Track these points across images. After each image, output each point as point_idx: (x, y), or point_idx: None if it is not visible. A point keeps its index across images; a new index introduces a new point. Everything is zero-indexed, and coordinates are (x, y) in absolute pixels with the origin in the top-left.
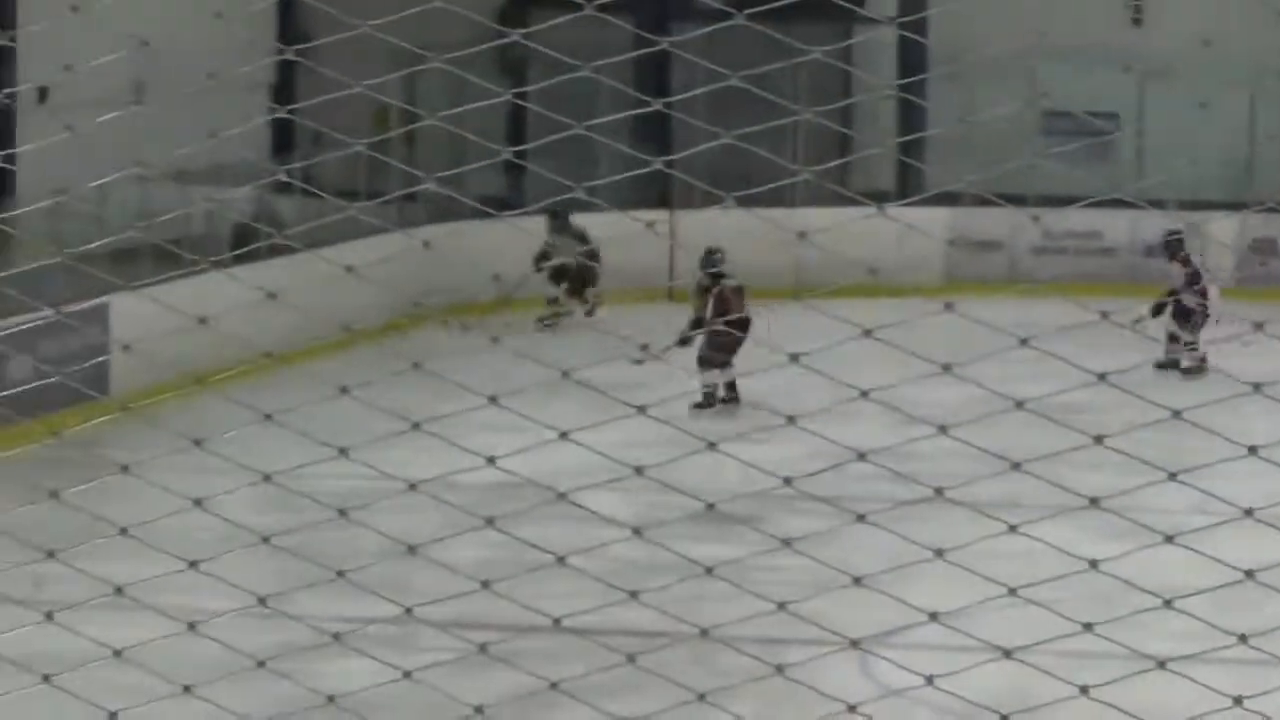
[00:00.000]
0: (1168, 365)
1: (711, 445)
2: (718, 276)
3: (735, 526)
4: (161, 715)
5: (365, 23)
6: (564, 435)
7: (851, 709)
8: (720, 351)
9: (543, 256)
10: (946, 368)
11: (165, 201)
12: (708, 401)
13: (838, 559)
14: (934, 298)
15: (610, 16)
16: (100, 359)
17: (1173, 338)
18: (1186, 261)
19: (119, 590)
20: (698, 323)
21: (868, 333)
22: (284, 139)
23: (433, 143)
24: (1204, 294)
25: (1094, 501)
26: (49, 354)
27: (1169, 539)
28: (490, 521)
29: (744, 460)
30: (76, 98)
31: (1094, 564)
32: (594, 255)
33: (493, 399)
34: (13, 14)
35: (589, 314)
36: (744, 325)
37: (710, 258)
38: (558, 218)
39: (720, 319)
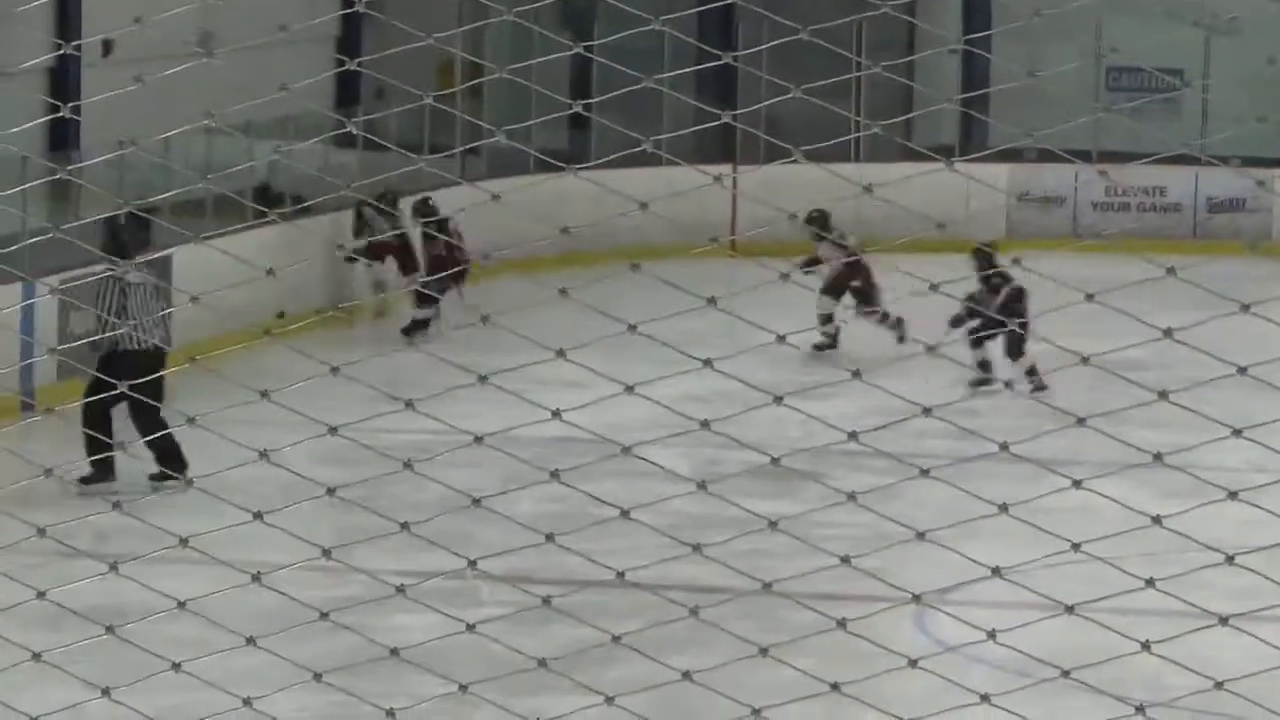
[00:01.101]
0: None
1: (778, 399)
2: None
3: (796, 482)
4: (226, 667)
5: None
6: (630, 389)
7: (913, 663)
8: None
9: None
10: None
11: (228, 154)
12: (830, 343)
13: (897, 515)
14: (1000, 253)
15: None
16: (165, 310)
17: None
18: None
19: (184, 542)
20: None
21: (934, 287)
22: (347, 92)
23: (495, 96)
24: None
25: (1158, 457)
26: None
27: (1232, 495)
28: (555, 475)
29: (809, 414)
30: (141, 51)
31: (1157, 519)
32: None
33: (560, 352)
34: None
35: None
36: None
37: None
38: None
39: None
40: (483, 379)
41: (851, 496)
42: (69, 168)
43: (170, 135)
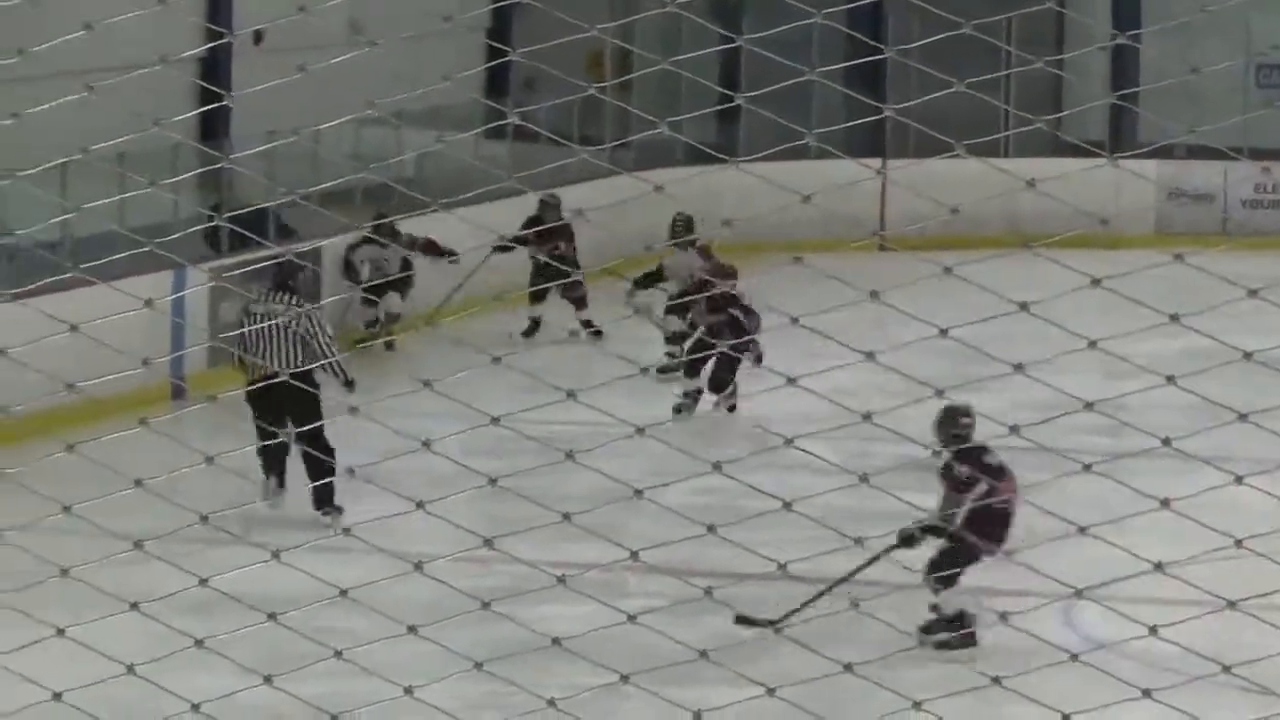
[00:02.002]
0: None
1: (939, 392)
2: None
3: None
4: (386, 656)
5: None
6: (792, 381)
7: (1074, 657)
8: None
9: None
10: (1173, 318)
11: (378, 144)
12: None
13: (1044, 510)
14: (1151, 249)
15: None
16: (317, 305)
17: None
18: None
19: (346, 531)
20: None
21: (1096, 282)
22: (496, 83)
23: (644, 88)
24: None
25: None
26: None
27: None
28: (717, 467)
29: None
30: (291, 40)
31: None
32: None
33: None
34: None
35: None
36: None
37: None
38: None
39: None
40: (644, 371)
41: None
42: (231, 156)
43: (323, 125)
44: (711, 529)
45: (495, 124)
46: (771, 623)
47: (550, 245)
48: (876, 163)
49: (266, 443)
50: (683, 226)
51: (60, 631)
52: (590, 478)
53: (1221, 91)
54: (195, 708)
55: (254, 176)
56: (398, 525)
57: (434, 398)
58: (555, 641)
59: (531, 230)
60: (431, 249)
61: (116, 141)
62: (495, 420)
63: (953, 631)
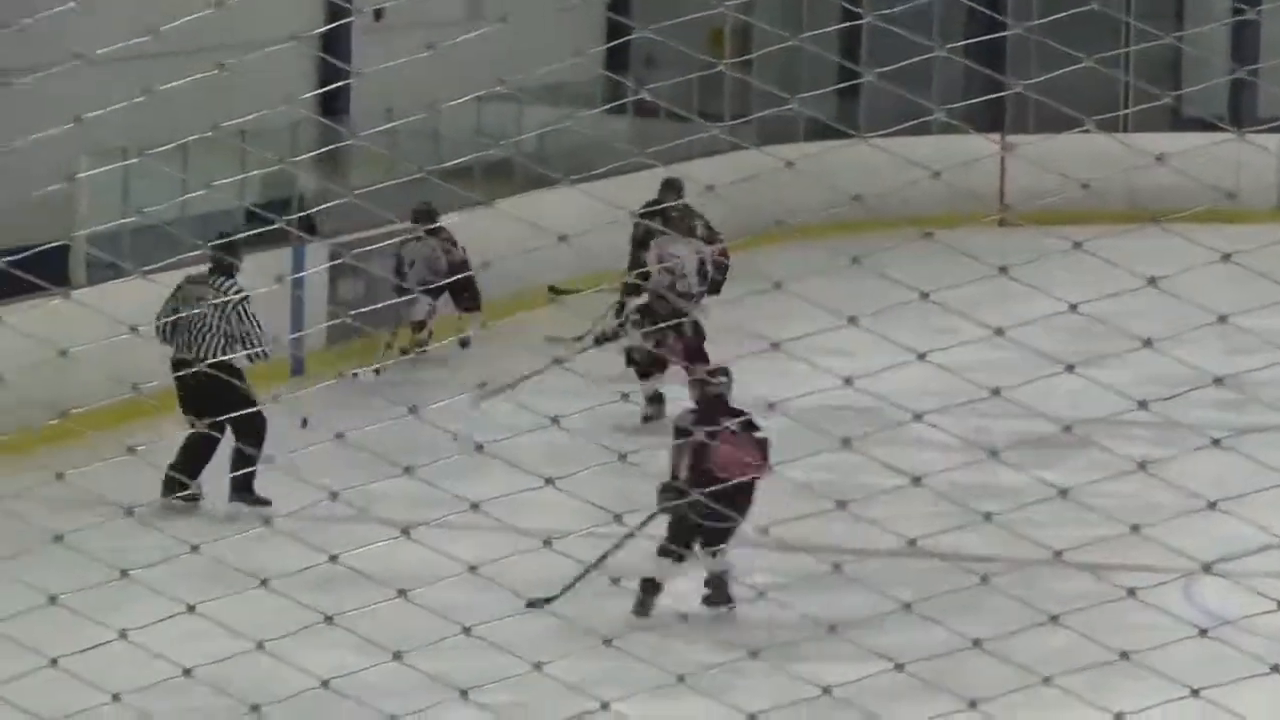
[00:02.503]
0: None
1: (1070, 368)
2: None
3: (1061, 450)
4: (516, 630)
5: None
6: (922, 357)
7: (1203, 633)
8: None
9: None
10: None
11: (498, 121)
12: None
13: (1162, 486)
14: (1273, 224)
15: None
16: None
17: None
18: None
19: (475, 506)
20: None
21: (1226, 257)
22: (616, 59)
23: (764, 64)
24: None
25: None
26: (387, 269)
27: None
28: (847, 442)
29: (1099, 382)
30: (411, 17)
31: None
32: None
33: (851, 319)
34: None
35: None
36: None
37: None
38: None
39: None
40: (775, 345)
41: (1142, 466)
42: (361, 134)
43: (447, 102)
44: (842, 504)
45: (617, 101)
46: (546, 600)
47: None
48: (1000, 139)
49: (190, 435)
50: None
51: (190, 608)
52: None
53: None
54: (324, 684)
55: (376, 153)
56: (522, 501)
57: (560, 376)
58: (683, 618)
59: (649, 210)
60: (461, 282)
61: (242, 120)
62: (624, 396)
63: (712, 589)
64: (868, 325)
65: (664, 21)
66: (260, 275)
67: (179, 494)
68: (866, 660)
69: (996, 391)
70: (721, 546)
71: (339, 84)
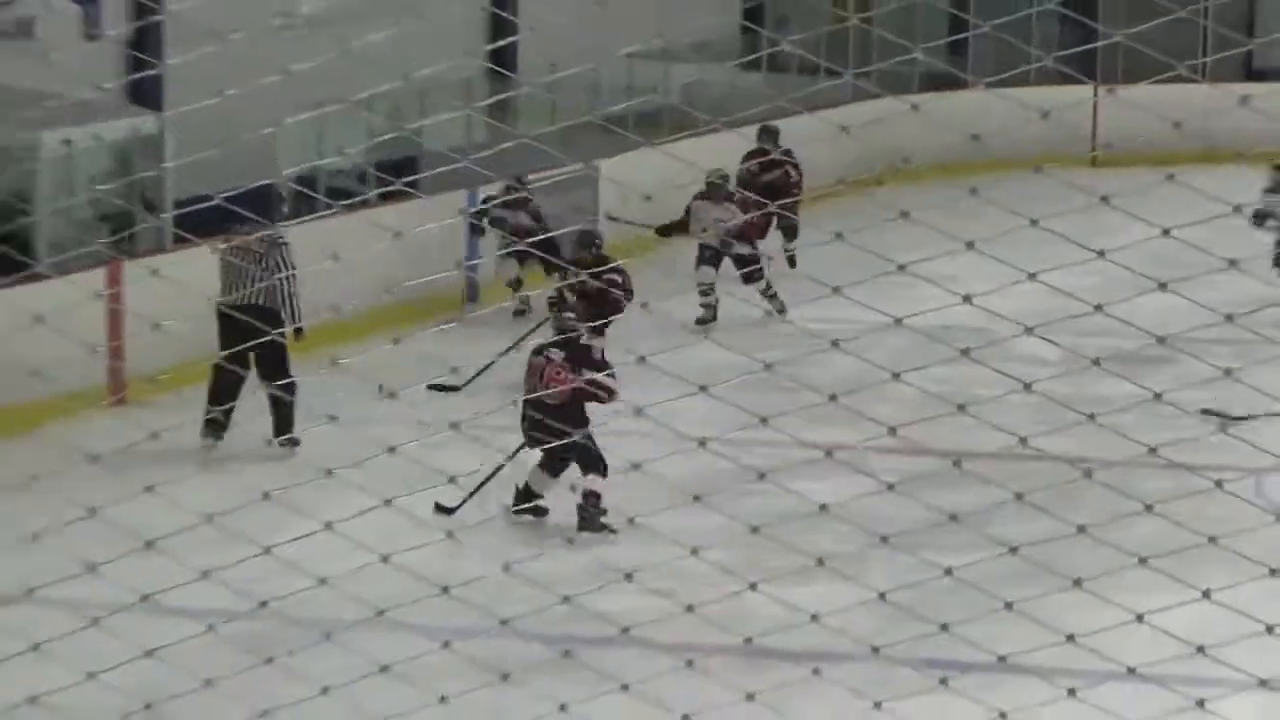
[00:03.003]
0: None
1: (1162, 286)
2: None
3: (1146, 366)
4: (672, 522)
5: None
6: (1033, 276)
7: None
8: None
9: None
10: None
11: (647, 77)
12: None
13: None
14: None
15: None
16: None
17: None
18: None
19: (639, 411)
20: None
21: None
22: (752, 18)
23: (884, 19)
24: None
25: None
26: (546, 211)
27: None
28: (966, 352)
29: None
30: None
31: None
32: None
33: (970, 244)
34: None
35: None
36: None
37: None
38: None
39: None
40: (901, 268)
41: (1228, 372)
42: (523, 88)
43: (601, 58)
44: (962, 407)
45: (753, 55)
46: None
47: (777, 173)
48: (1095, 86)
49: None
50: (718, 180)
51: (387, 502)
52: (842, 365)
53: None
54: (506, 568)
55: (542, 104)
56: (677, 409)
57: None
58: (822, 508)
59: (754, 161)
60: (544, 247)
61: (426, 72)
62: (768, 367)
63: (525, 503)
64: (983, 249)
65: None
66: (446, 212)
67: (219, 435)
68: (982, 547)
69: (1099, 308)
70: (581, 466)
71: (509, 40)
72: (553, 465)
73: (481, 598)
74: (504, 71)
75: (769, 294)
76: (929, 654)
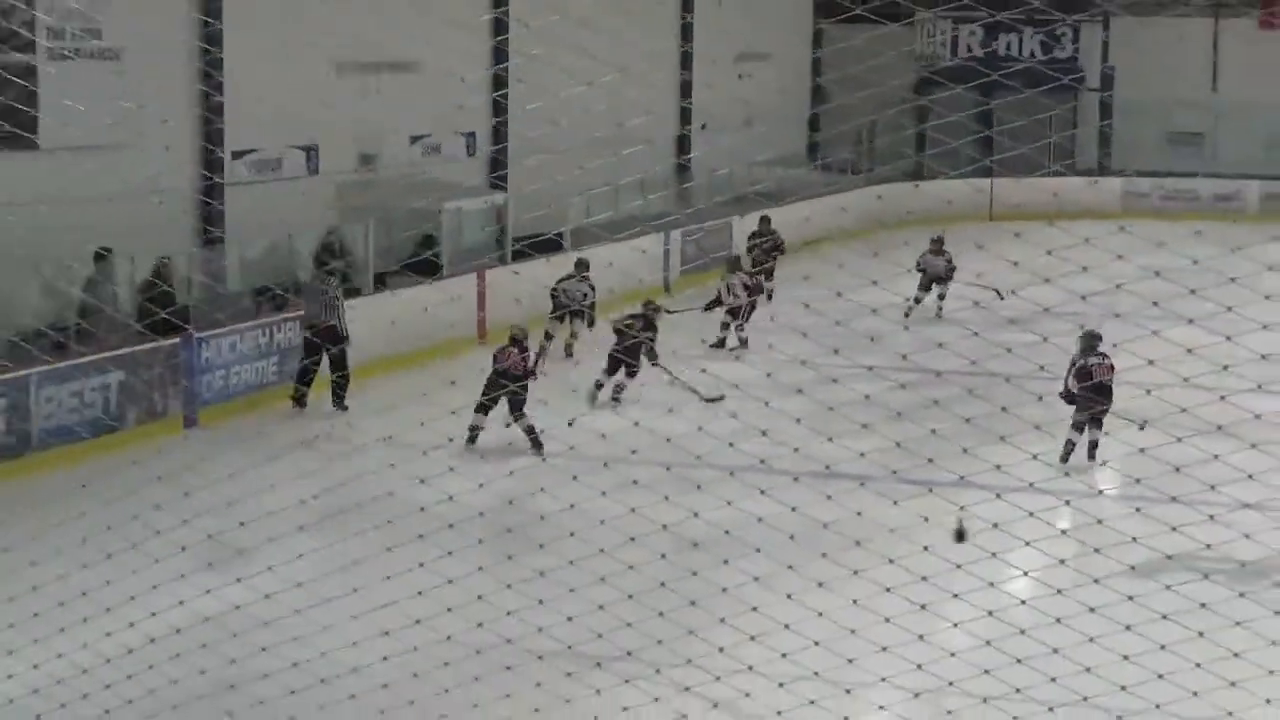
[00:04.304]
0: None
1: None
2: None
3: None
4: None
5: None
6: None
7: None
8: None
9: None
10: None
11: (758, 174)
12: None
13: None
14: None
15: None
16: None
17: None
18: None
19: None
20: None
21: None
22: (811, 149)
23: (884, 138)
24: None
25: None
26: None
27: None
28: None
29: None
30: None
31: None
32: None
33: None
34: None
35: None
36: None
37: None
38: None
39: None
40: (839, 294)
41: None
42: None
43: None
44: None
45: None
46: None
47: (769, 245)
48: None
49: (307, 367)
50: (734, 259)
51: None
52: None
53: None
54: (594, 529)
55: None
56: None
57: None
58: (866, 397)
59: (755, 240)
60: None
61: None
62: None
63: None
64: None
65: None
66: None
67: (303, 402)
68: (951, 420)
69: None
70: (519, 413)
71: (690, 155)
72: (486, 406)
73: None
74: (686, 166)
75: (742, 334)
76: (921, 476)
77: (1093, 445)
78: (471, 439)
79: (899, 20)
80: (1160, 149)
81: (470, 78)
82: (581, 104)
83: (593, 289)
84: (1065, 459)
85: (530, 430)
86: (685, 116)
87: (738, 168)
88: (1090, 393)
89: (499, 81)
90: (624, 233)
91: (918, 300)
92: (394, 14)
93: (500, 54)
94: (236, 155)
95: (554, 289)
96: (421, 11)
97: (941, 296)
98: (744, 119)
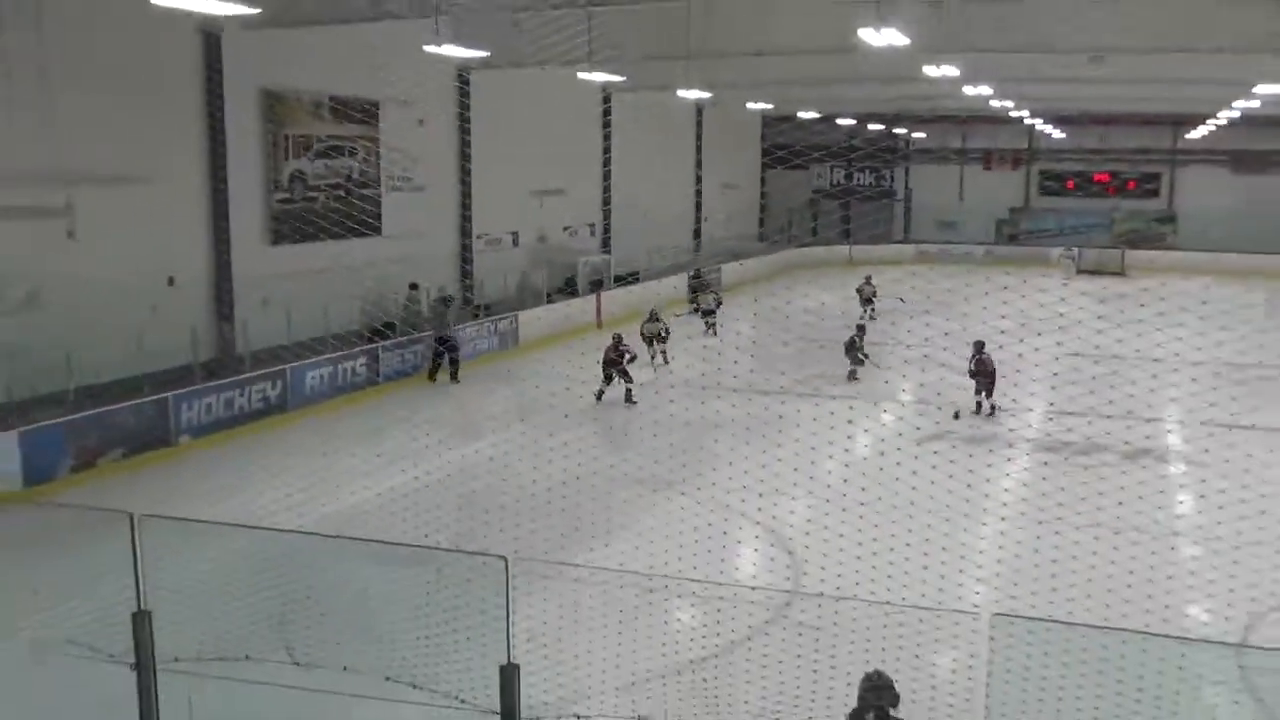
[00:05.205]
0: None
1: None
2: None
3: None
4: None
5: None
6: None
7: None
8: None
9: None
10: None
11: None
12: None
13: None
14: None
15: None
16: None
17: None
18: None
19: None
20: None
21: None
22: (761, 224)
23: (801, 214)
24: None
25: None
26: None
27: None
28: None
29: None
30: None
31: None
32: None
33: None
34: None
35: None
36: None
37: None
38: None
39: None
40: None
41: None
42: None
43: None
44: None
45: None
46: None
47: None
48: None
49: (437, 357)
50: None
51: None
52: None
53: None
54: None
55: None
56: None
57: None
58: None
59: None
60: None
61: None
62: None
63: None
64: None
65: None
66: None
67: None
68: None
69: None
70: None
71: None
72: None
73: None
74: (698, 237)
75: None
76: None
77: (986, 402)
78: (598, 395)
79: (804, 168)
80: (934, 228)
81: (591, 193)
82: (646, 206)
83: (667, 330)
84: (975, 410)
85: (627, 391)
86: (698, 213)
87: (723, 240)
88: (980, 374)
89: (605, 196)
90: (667, 274)
91: (864, 313)
92: (554, 160)
93: (607, 181)
94: (479, 236)
95: (641, 327)
96: (567, 158)
97: (872, 309)
98: (726, 216)
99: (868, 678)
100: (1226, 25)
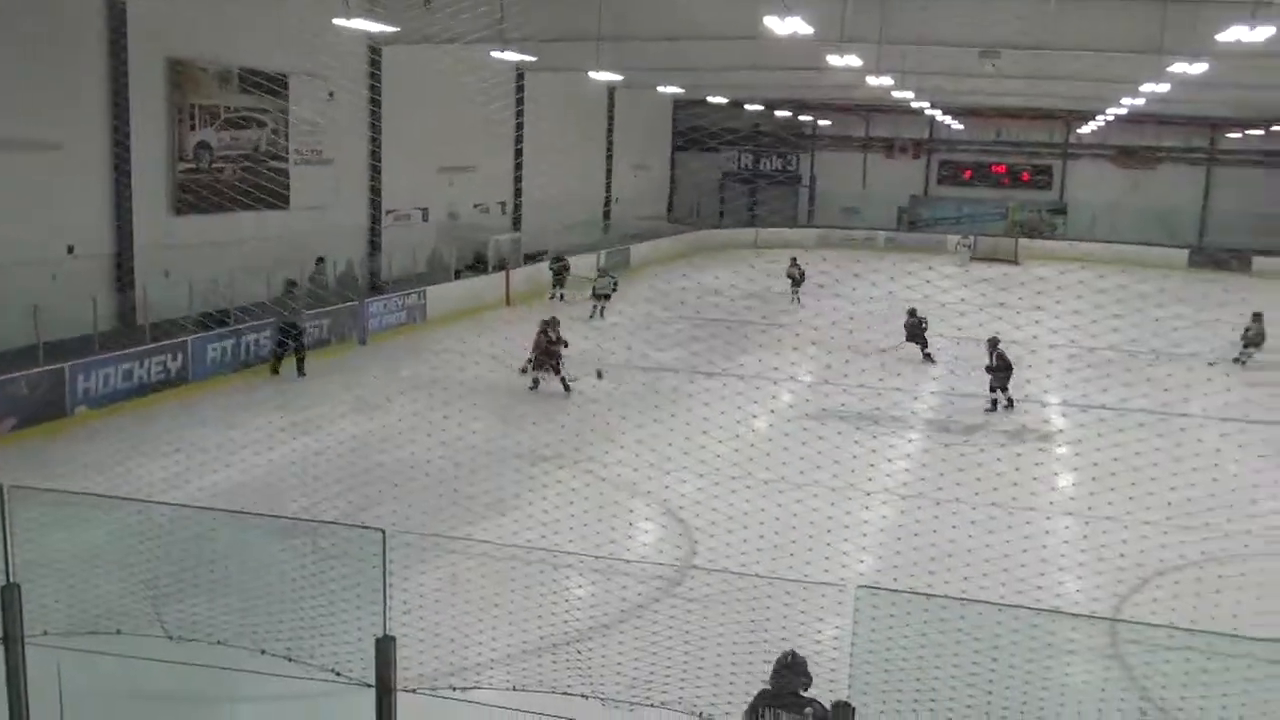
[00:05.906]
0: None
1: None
2: None
3: None
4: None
5: None
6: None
7: None
8: None
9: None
10: None
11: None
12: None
13: None
14: None
15: None
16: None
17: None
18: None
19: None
20: None
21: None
22: (670, 208)
23: (709, 195)
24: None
25: None
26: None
27: None
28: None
29: None
30: None
31: None
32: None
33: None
34: None
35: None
36: None
37: None
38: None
39: None
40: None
41: None
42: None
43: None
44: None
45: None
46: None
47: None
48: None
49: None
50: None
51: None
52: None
53: None
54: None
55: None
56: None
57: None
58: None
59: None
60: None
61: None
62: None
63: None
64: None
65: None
66: None
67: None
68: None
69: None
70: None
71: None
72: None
73: None
74: (607, 217)
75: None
76: (709, 369)
77: (1003, 398)
78: (532, 382)
79: (714, 151)
80: (837, 214)
81: (503, 170)
82: (557, 186)
83: (615, 284)
84: (991, 407)
85: (563, 380)
86: (608, 193)
87: (632, 220)
88: (1000, 369)
89: (517, 175)
90: (576, 252)
91: (792, 296)
92: (465, 138)
93: (518, 159)
94: (388, 212)
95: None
96: (479, 135)
97: (798, 291)
98: (635, 196)
99: (781, 658)
100: (1113, 27)
